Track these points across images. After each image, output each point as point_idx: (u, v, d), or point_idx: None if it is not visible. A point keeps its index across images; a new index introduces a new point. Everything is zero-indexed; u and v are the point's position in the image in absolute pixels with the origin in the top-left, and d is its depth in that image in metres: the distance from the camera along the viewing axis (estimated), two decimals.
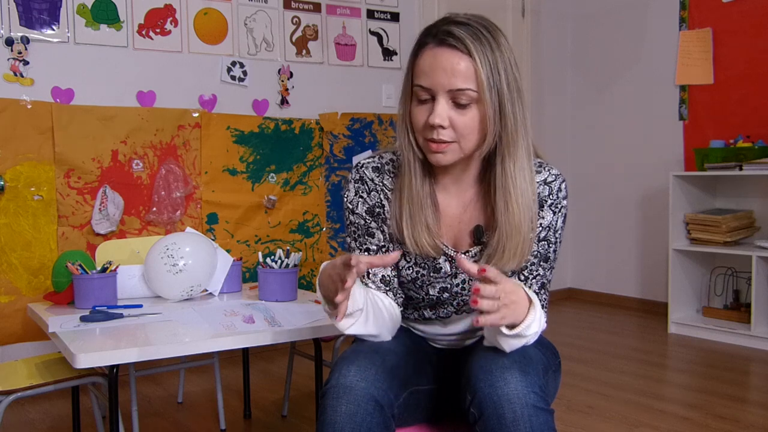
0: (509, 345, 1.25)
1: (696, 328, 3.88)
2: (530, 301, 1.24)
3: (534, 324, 1.23)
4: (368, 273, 1.44)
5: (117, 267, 2.19)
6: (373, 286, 1.44)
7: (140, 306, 2.10)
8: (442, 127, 1.28)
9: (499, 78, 1.27)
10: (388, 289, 1.45)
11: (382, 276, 1.44)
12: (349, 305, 1.28)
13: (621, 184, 4.70)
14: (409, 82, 1.33)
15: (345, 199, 1.47)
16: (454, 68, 1.26)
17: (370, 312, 1.35)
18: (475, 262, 1.41)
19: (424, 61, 1.30)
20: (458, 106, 1.28)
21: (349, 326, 1.33)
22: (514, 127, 1.30)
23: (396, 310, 1.44)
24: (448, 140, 1.29)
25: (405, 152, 1.38)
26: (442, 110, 1.27)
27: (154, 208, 3.35)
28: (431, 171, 1.41)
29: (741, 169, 3.67)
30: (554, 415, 1.23)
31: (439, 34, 1.28)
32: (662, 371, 3.32)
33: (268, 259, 2.23)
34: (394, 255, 1.21)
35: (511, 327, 1.21)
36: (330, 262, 1.29)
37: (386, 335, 1.41)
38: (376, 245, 1.44)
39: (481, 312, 1.13)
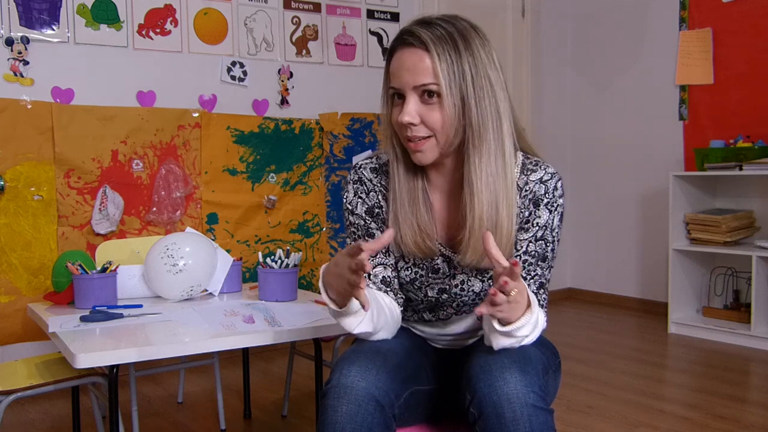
0: (498, 343, 1.25)
1: (696, 328, 3.88)
2: (529, 304, 1.23)
3: (526, 327, 1.23)
4: (369, 274, 1.44)
5: (117, 267, 2.19)
6: (374, 287, 1.44)
7: (140, 306, 2.10)
8: (413, 124, 1.31)
9: (462, 73, 1.28)
10: (388, 289, 1.45)
11: (383, 277, 1.44)
12: (354, 304, 1.27)
13: (621, 184, 4.70)
14: (386, 87, 1.37)
15: (344, 200, 1.48)
16: (416, 65, 1.29)
17: (374, 308, 1.35)
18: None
19: (393, 63, 1.34)
20: (427, 102, 1.30)
21: (357, 324, 1.32)
22: (480, 122, 1.30)
23: (396, 310, 1.44)
24: (424, 135, 1.32)
25: (390, 155, 1.40)
26: (411, 108, 1.30)
27: (154, 208, 3.35)
28: (424, 173, 1.42)
29: (741, 169, 3.67)
30: (554, 415, 1.23)
31: (403, 35, 1.32)
32: (662, 371, 3.32)
33: (268, 259, 2.23)
34: (389, 233, 1.19)
35: (505, 323, 1.22)
36: (331, 261, 1.28)
37: (387, 333, 1.40)
38: None
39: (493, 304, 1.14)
